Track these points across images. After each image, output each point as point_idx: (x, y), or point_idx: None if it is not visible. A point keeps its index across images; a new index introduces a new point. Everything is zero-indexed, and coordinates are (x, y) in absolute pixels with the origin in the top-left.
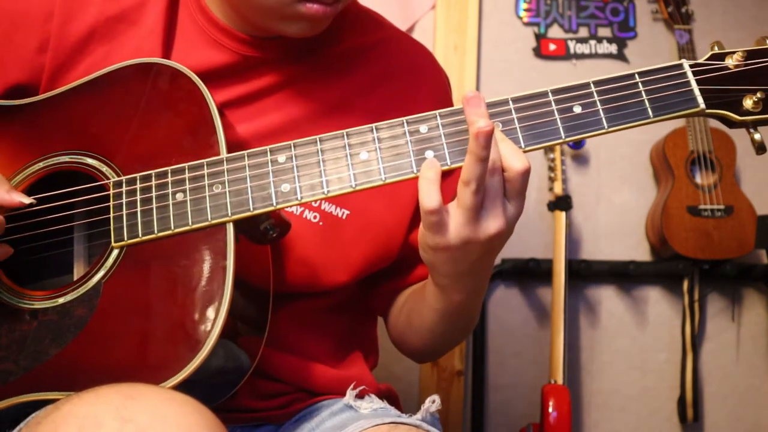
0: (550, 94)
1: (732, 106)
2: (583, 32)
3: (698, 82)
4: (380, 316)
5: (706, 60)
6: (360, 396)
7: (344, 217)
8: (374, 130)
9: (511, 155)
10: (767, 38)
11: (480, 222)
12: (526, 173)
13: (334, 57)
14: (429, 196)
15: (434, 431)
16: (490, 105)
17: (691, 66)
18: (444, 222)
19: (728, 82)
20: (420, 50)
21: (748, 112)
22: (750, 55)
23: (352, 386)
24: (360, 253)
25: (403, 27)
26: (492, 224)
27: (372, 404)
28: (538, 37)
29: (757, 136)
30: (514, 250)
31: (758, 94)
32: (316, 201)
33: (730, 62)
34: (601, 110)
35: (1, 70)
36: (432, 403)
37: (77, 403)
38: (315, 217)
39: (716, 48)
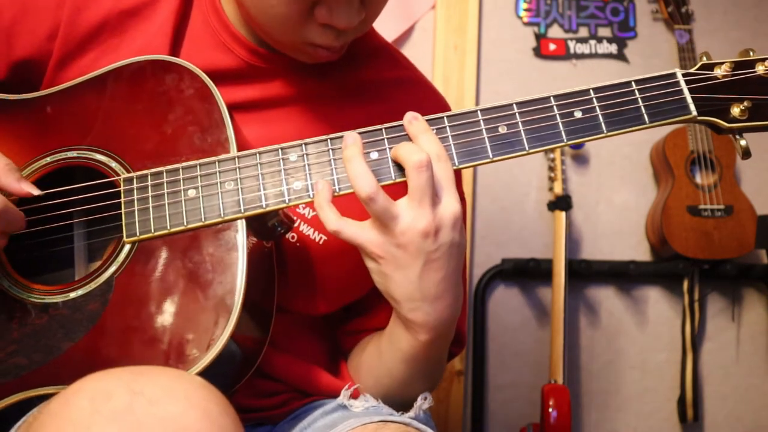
0: (552, 99)
1: (721, 113)
2: (583, 32)
3: (690, 90)
4: (343, 352)
5: (696, 70)
6: (355, 395)
7: (321, 242)
8: (384, 132)
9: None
10: (750, 50)
11: (403, 219)
12: (421, 167)
13: (346, 85)
14: (364, 182)
15: (425, 428)
16: (495, 108)
17: (683, 75)
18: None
19: (717, 91)
20: (436, 98)
21: (735, 120)
22: (737, 66)
23: (347, 386)
24: (333, 282)
25: (403, 27)
26: (419, 222)
27: (365, 403)
28: (538, 37)
29: (742, 143)
30: (514, 250)
31: (745, 103)
32: (296, 220)
33: (718, 72)
34: (600, 115)
35: (11, 50)
36: (424, 400)
37: (87, 380)
38: (293, 238)
39: (705, 58)
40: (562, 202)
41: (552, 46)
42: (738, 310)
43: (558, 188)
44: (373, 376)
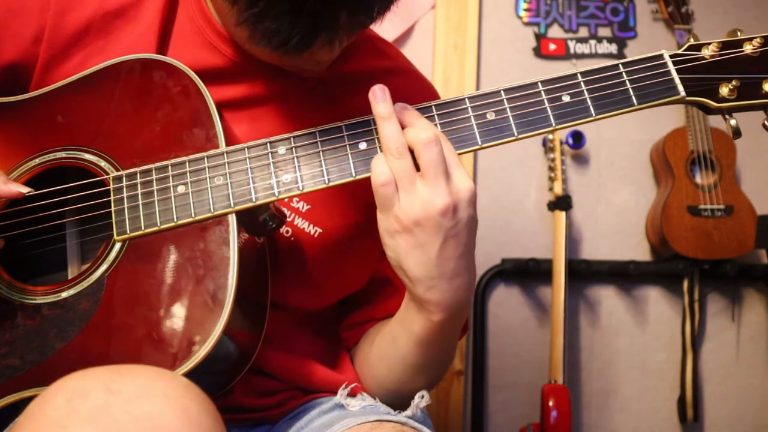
0: (539, 84)
1: (709, 93)
2: (583, 32)
3: (678, 71)
4: (348, 348)
5: (684, 51)
6: (352, 394)
7: (316, 235)
8: (372, 122)
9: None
10: (737, 30)
11: (421, 197)
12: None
13: (333, 78)
14: (398, 140)
15: (421, 427)
16: (483, 95)
17: (671, 56)
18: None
19: (705, 71)
20: (424, 86)
21: (724, 99)
22: (724, 45)
23: (344, 385)
24: (329, 275)
25: (403, 27)
26: (436, 199)
27: (362, 402)
28: (538, 37)
29: (732, 122)
30: (514, 250)
31: (733, 83)
32: (290, 214)
33: (706, 52)
34: (588, 99)
35: None
36: (421, 399)
37: (65, 379)
38: (287, 232)
39: (692, 40)
40: (562, 202)
41: (552, 46)
42: (738, 310)
43: (558, 188)
44: (385, 364)
